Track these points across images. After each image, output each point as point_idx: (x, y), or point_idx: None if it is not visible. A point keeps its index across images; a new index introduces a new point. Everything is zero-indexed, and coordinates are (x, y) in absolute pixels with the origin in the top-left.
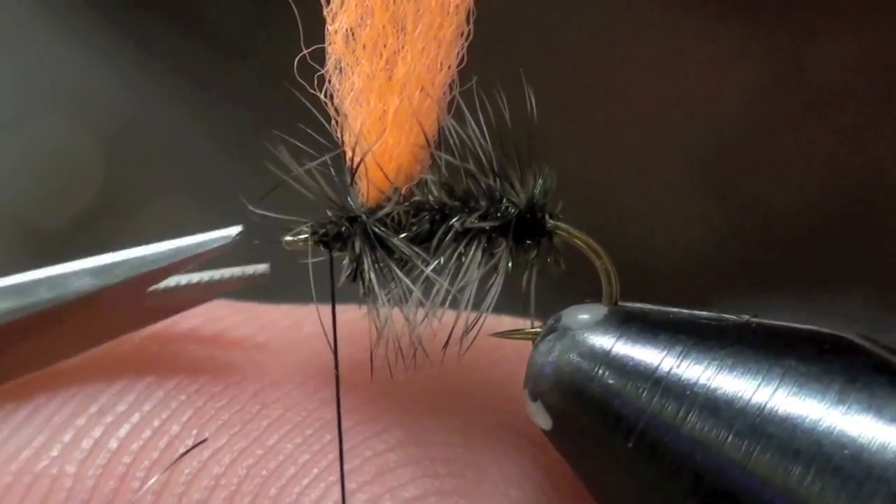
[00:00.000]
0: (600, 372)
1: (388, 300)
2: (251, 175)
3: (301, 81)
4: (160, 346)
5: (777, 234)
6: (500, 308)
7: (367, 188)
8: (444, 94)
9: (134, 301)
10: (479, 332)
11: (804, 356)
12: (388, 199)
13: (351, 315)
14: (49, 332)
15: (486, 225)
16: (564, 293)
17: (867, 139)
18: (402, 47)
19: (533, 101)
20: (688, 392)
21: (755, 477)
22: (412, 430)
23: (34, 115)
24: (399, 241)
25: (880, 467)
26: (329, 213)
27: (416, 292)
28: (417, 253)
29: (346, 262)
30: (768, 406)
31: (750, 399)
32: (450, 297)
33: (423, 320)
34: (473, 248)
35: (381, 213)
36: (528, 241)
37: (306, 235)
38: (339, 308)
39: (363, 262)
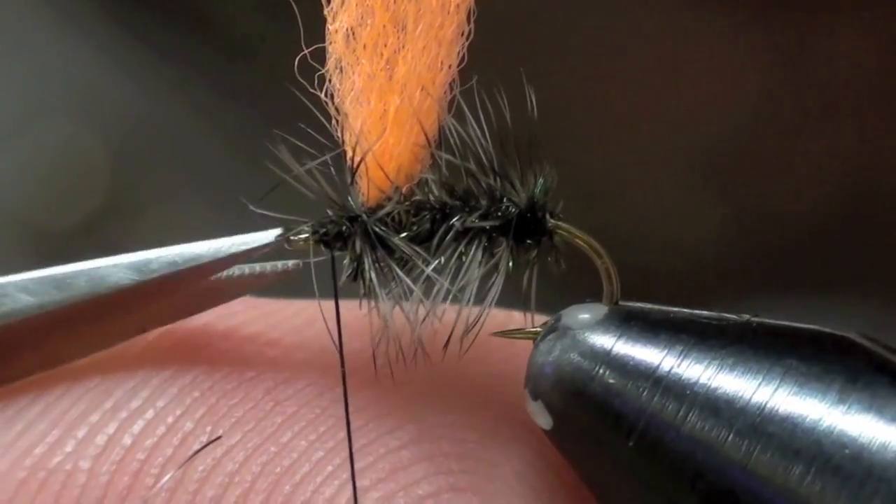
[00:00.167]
0: (601, 371)
1: (389, 299)
2: (254, 174)
3: (302, 81)
4: (174, 342)
5: (780, 234)
6: (500, 308)
7: (368, 188)
8: (445, 93)
9: (169, 297)
10: (484, 328)
11: (805, 356)
12: (389, 199)
13: (362, 311)
14: (85, 324)
15: (487, 224)
16: (565, 293)
17: (872, 140)
18: (403, 47)
19: (534, 100)
20: (688, 391)
21: (755, 476)
22: (425, 426)
23: (41, 117)
24: (399, 240)
25: (881, 467)
26: (330, 213)
27: (417, 291)
28: (418, 252)
29: (346, 261)
30: (769, 405)
31: (750, 398)
32: (451, 297)
33: (423, 319)
34: (474, 247)
35: (381, 213)
36: (528, 241)
37: (307, 235)
38: (348, 304)
39: (364, 262)
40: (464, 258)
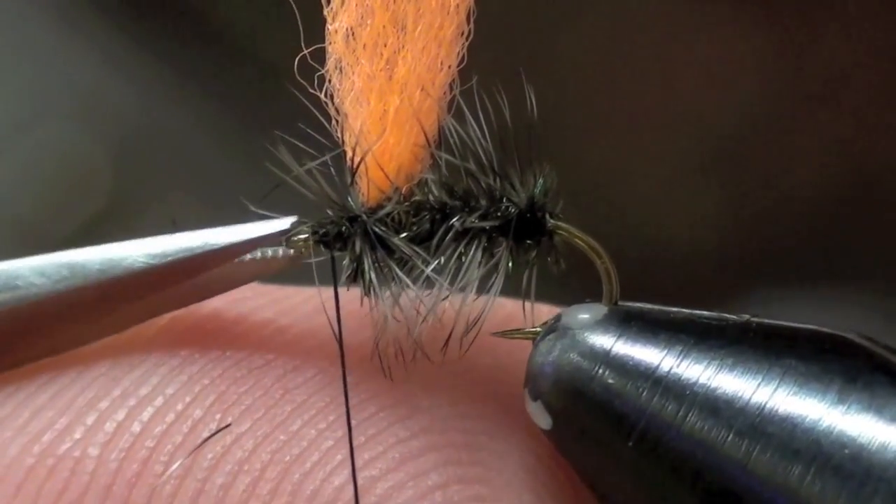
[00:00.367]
0: (600, 371)
1: (389, 299)
2: (254, 176)
3: (301, 81)
4: (183, 329)
5: (780, 228)
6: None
7: (368, 188)
8: (445, 93)
9: (182, 283)
10: (487, 321)
11: (804, 356)
12: (389, 199)
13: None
14: (97, 308)
15: (487, 224)
16: (565, 293)
17: (872, 134)
18: (403, 47)
19: (533, 100)
20: (688, 391)
21: (755, 476)
22: (435, 417)
23: (41, 120)
24: (399, 240)
25: (880, 467)
26: (329, 213)
27: (417, 291)
28: (418, 252)
29: (346, 261)
30: (768, 405)
31: (750, 398)
32: (451, 297)
33: (424, 318)
34: (474, 247)
35: (381, 213)
36: (528, 241)
37: (307, 235)
38: (358, 293)
39: (364, 262)
40: (464, 258)
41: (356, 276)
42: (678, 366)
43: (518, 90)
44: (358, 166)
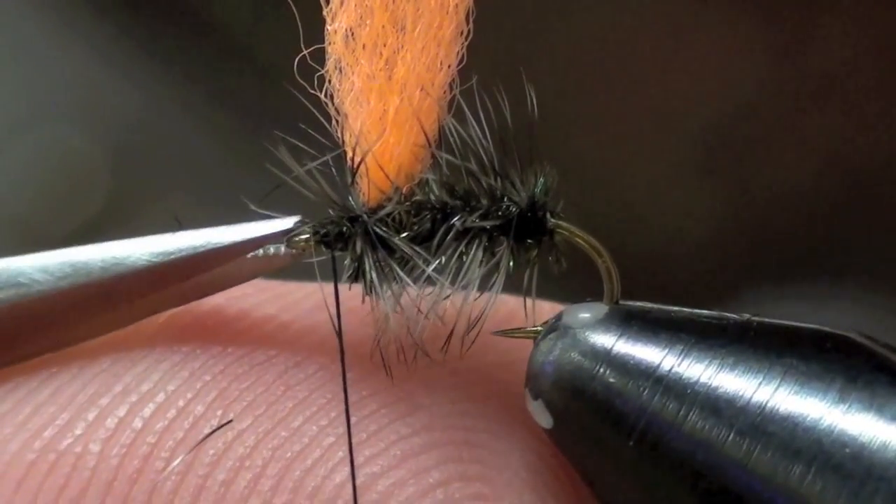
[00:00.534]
0: (601, 371)
1: (390, 299)
2: (254, 176)
3: (301, 81)
4: (185, 325)
5: (779, 222)
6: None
7: (368, 188)
8: (445, 93)
9: (185, 281)
10: (489, 319)
11: (805, 355)
12: (389, 199)
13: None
14: (100, 305)
15: (488, 224)
16: (565, 291)
17: (871, 127)
18: (402, 47)
19: (534, 99)
20: (689, 391)
21: (756, 476)
22: (436, 414)
23: (40, 120)
24: (400, 240)
25: (881, 466)
26: (330, 213)
27: (417, 291)
28: (419, 252)
29: (347, 261)
30: (769, 405)
31: (751, 398)
32: (452, 296)
33: (424, 318)
34: (475, 247)
35: (382, 213)
36: (529, 240)
37: (308, 236)
38: (361, 290)
39: (364, 262)
40: (464, 258)
41: (357, 275)
42: (679, 365)
43: (518, 89)
44: (358, 166)
